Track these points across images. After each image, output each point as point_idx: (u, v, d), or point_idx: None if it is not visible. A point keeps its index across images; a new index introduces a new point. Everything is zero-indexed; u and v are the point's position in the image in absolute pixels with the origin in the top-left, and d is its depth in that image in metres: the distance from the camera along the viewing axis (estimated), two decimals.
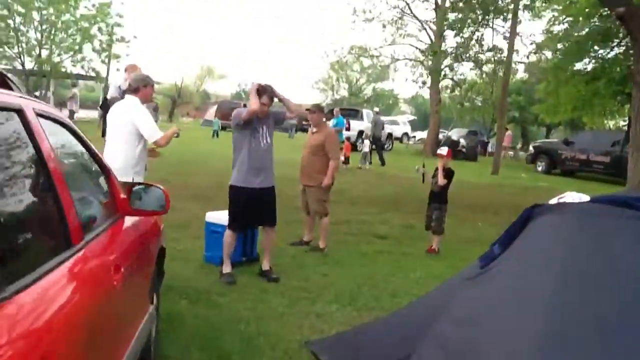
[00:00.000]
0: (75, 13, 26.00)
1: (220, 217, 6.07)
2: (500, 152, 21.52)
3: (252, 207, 5.62)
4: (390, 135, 28.97)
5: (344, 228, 8.54)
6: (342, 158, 17.63)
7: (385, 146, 22.04)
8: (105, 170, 2.87)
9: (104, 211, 2.72)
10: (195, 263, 6.14)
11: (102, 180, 2.84)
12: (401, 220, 9.32)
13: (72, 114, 20.88)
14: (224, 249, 5.65)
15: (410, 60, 29.80)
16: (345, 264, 6.50)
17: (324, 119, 7.26)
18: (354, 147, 23.21)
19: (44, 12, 25.53)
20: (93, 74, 27.41)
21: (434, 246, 7.33)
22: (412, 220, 9.02)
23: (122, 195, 2.89)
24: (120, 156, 4.93)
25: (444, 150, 7.46)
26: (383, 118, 25.26)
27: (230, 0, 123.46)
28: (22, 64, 26.33)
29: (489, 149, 30.01)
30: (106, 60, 27.28)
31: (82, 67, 26.92)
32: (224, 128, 25.83)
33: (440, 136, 30.57)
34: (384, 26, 27.96)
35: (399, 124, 39.14)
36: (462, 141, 27.39)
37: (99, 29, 26.83)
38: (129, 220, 2.95)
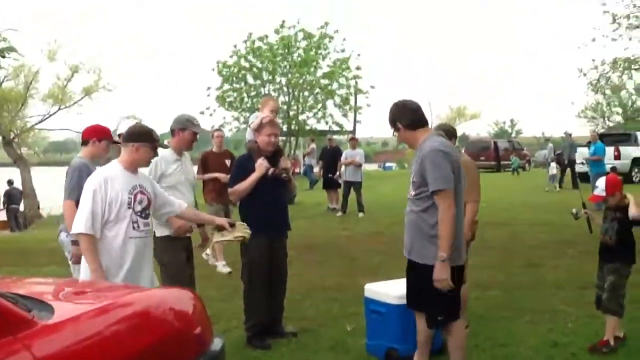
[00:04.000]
0: (316, 73, 26.93)
1: (386, 290, 4.32)
2: None
3: None
4: None
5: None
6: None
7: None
8: None
9: None
10: (356, 354, 4.44)
11: None
12: None
13: (310, 168, 21.11)
14: (456, 356, 3.74)
15: None
16: None
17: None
18: (627, 179, 19.00)
19: (289, 76, 26.96)
20: (337, 128, 27.90)
21: (606, 337, 4.38)
22: None
23: None
24: None
25: (598, 190, 4.49)
26: None
27: (473, 37, 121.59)
28: None
29: None
30: (347, 114, 27.59)
31: (326, 122, 27.62)
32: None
33: None
34: None
35: None
36: None
37: (339, 84, 27.34)
38: None
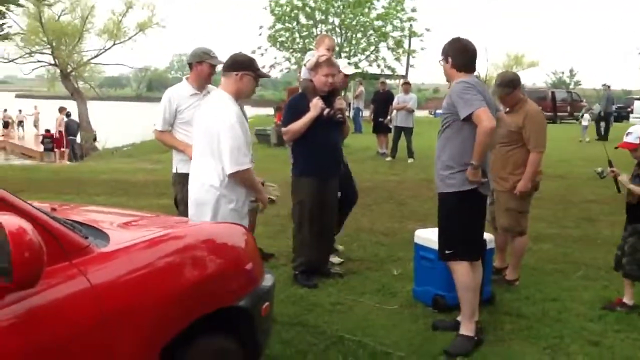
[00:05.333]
0: (369, 14, 26.20)
1: (436, 237, 4.22)
2: None
3: None
4: None
5: None
6: None
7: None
8: None
9: None
10: (402, 299, 4.42)
11: None
12: None
13: (358, 111, 20.83)
14: (463, 297, 3.64)
15: None
16: None
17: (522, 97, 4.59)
18: None
19: (342, 16, 26.32)
20: (389, 72, 27.31)
21: (625, 299, 4.14)
22: None
23: None
24: None
25: (632, 137, 4.05)
26: None
27: None
28: None
29: None
30: (400, 58, 26.90)
31: (378, 65, 27.04)
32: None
33: None
34: None
35: None
36: None
37: (393, 27, 26.59)
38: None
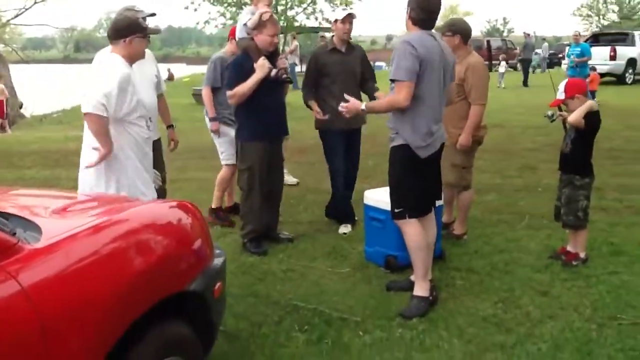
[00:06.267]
0: None
1: (386, 197, 4.18)
2: None
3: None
4: None
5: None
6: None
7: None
8: None
9: None
10: (354, 260, 4.40)
11: None
12: None
13: (293, 67, 20.44)
14: (415, 258, 3.62)
15: None
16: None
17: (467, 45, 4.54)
18: (620, 80, 18.82)
19: None
20: (327, 25, 26.85)
21: (569, 247, 4.29)
22: None
23: None
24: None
25: (559, 93, 4.18)
26: None
27: None
28: None
29: None
30: (336, 10, 26.47)
31: (316, 18, 26.52)
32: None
33: None
34: None
35: None
36: None
37: None
38: None
